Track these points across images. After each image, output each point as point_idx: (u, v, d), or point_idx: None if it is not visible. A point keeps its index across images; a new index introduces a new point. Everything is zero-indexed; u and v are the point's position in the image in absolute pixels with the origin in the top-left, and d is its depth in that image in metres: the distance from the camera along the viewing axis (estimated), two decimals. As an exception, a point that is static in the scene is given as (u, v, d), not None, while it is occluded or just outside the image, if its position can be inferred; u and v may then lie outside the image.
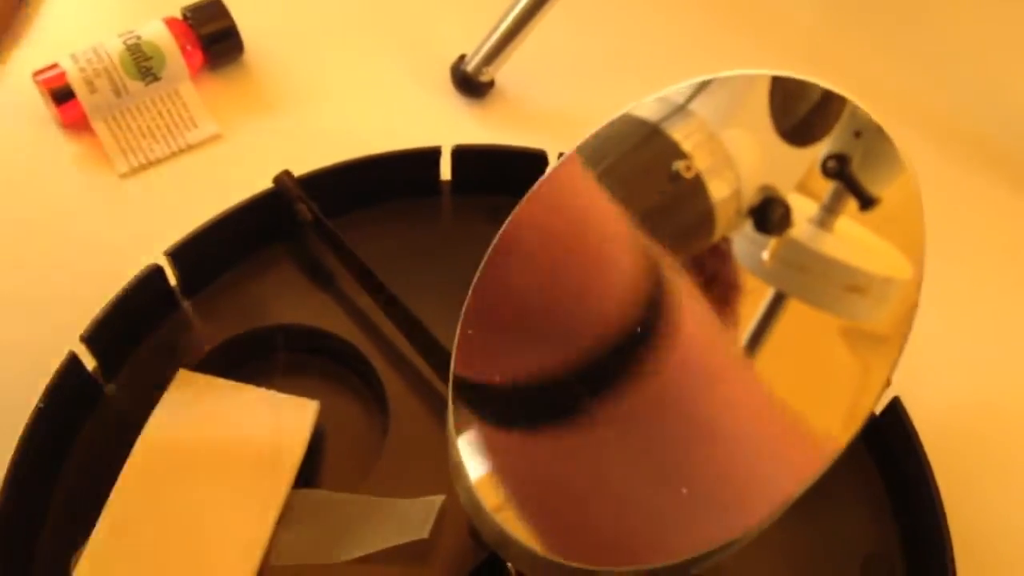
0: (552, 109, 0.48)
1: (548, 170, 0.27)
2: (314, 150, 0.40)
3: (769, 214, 0.26)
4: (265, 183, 0.38)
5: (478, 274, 0.26)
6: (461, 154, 0.40)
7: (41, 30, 0.48)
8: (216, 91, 0.46)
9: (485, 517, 0.23)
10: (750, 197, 0.27)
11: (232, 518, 0.32)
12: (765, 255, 0.26)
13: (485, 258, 0.26)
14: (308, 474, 0.35)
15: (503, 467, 0.24)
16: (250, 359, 0.37)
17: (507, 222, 0.26)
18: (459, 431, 0.24)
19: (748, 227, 0.26)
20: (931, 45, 0.53)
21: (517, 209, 0.26)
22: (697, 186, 0.27)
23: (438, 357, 0.35)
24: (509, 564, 0.30)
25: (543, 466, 0.24)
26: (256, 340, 0.37)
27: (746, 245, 0.26)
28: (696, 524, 0.22)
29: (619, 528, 0.23)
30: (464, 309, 0.25)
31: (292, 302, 0.38)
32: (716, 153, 0.27)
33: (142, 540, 0.31)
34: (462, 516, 0.33)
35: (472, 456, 0.24)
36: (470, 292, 0.25)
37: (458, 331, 0.25)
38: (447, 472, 0.34)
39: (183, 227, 0.37)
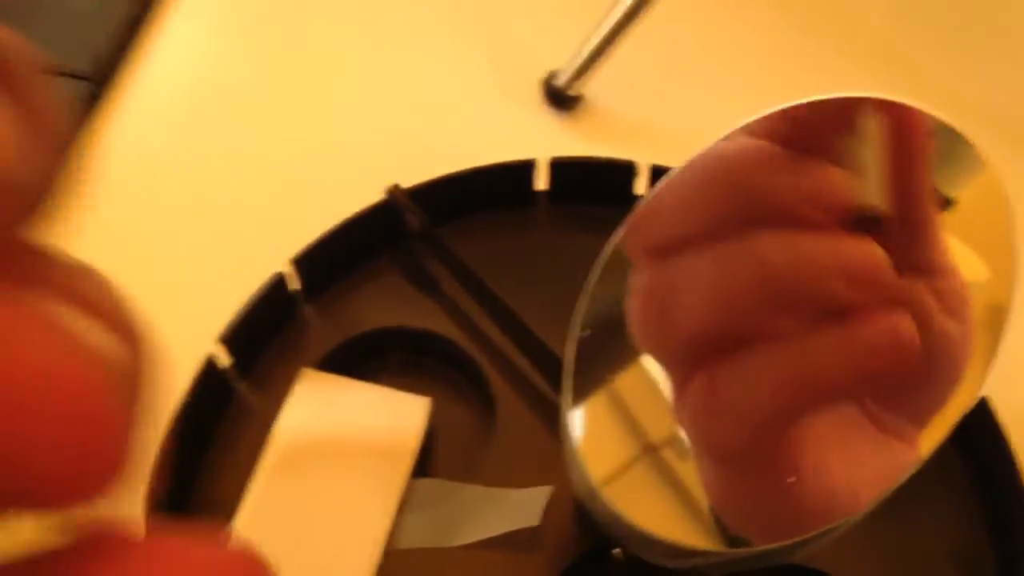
0: (638, 122, 0.50)
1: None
2: (411, 163, 0.43)
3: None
4: (356, 194, 0.41)
5: (593, 277, 0.28)
6: (556, 166, 0.43)
7: None
8: (323, 108, 0.49)
9: (599, 501, 0.26)
10: None
11: (358, 505, 0.35)
12: None
13: (602, 260, 0.28)
14: (420, 468, 0.37)
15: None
16: (365, 359, 0.40)
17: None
18: (574, 420, 0.26)
19: None
20: (1009, 47, 0.54)
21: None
22: None
23: (542, 357, 0.37)
24: (615, 551, 0.32)
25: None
26: (370, 342, 0.40)
27: None
28: (803, 509, 0.24)
29: (728, 510, 0.25)
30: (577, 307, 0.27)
31: (401, 306, 0.41)
32: None
33: (280, 523, 0.34)
34: (566, 507, 0.36)
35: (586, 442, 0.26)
36: (584, 294, 0.28)
37: (575, 327, 0.27)
38: (552, 466, 0.37)
39: (290, 235, 0.39)
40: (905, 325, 0.23)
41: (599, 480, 0.25)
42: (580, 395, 0.27)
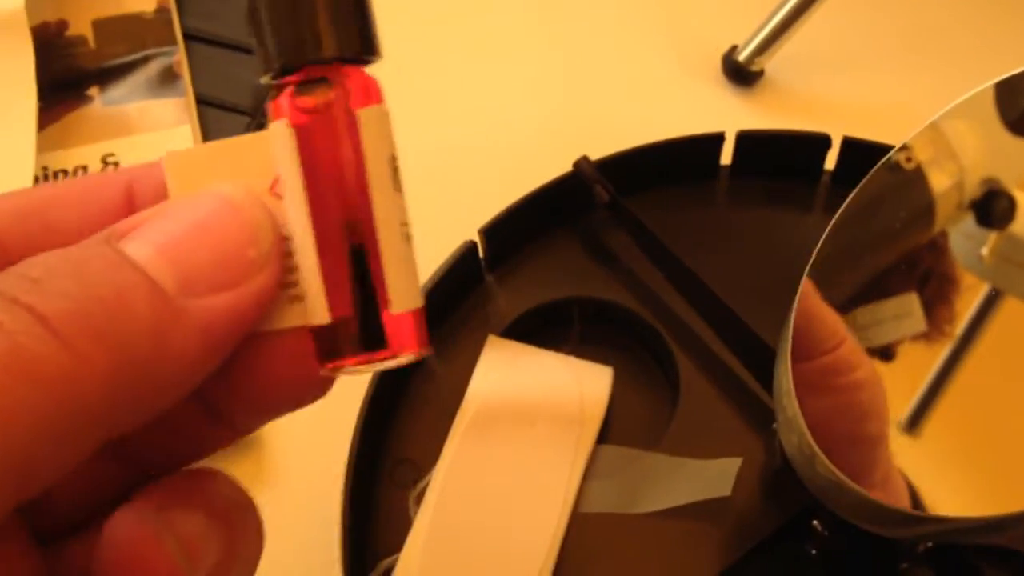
0: (818, 98, 0.49)
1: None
2: (589, 138, 0.43)
3: (992, 207, 0.26)
4: (540, 167, 0.41)
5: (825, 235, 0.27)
6: (744, 139, 0.42)
7: None
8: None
9: (819, 465, 0.25)
10: (972, 190, 0.27)
11: (546, 469, 0.36)
12: (984, 250, 0.26)
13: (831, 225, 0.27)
14: (602, 437, 0.38)
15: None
16: (548, 328, 0.41)
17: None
18: (791, 384, 0.26)
19: (969, 221, 0.26)
20: None
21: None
22: (918, 178, 0.27)
23: (731, 329, 0.37)
24: (815, 522, 0.31)
25: (815, 393, 0.26)
26: (553, 311, 0.41)
27: (964, 240, 0.26)
28: None
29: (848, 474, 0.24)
30: (809, 267, 0.27)
31: (584, 277, 0.41)
32: (938, 144, 0.27)
33: (473, 484, 0.35)
34: (753, 481, 0.36)
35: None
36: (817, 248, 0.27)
37: (800, 289, 0.27)
38: (734, 439, 0.37)
39: (478, 207, 0.40)
40: None
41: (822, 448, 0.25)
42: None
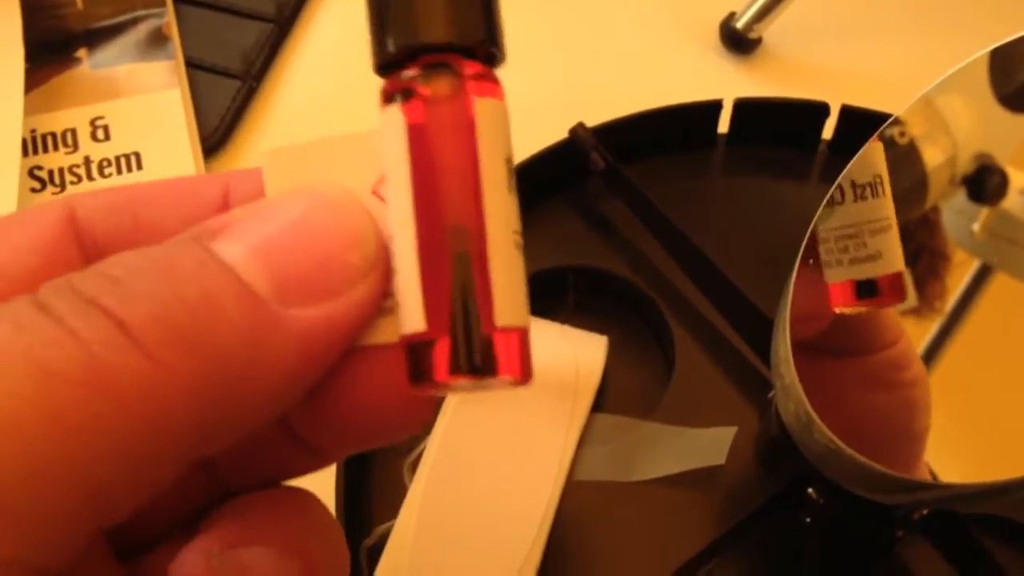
0: (816, 67, 0.49)
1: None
2: (586, 104, 0.42)
3: (984, 183, 0.26)
4: (536, 134, 0.40)
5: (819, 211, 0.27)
6: (742, 107, 0.42)
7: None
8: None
9: (816, 432, 0.25)
10: (965, 165, 0.26)
11: (540, 437, 0.36)
12: (976, 226, 0.26)
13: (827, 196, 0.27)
14: (597, 406, 0.37)
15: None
16: (543, 297, 0.40)
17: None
18: (791, 353, 0.26)
19: (961, 196, 0.26)
20: None
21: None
22: (911, 153, 0.27)
23: (728, 298, 0.37)
24: (811, 490, 0.31)
25: (851, 386, 0.26)
26: (548, 279, 0.40)
27: (955, 215, 0.26)
28: None
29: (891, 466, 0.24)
30: (805, 242, 0.27)
31: (580, 246, 0.41)
32: (932, 119, 0.27)
33: (467, 453, 0.35)
34: (748, 450, 0.36)
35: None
36: (810, 228, 0.27)
37: (798, 259, 0.27)
38: (730, 408, 0.37)
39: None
40: None
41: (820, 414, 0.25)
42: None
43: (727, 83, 0.48)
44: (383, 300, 0.15)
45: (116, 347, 0.12)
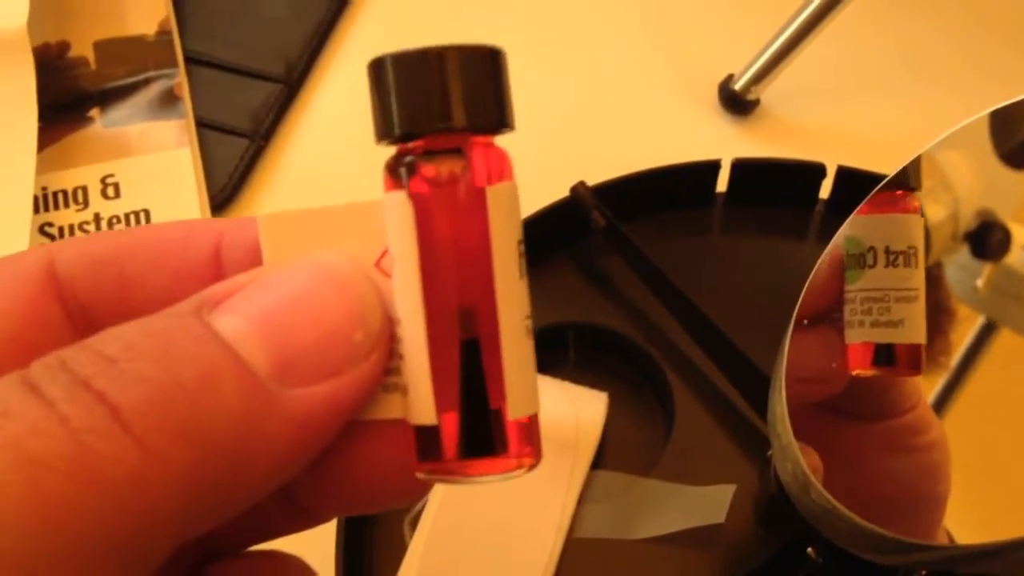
0: (814, 129, 0.49)
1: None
2: (583, 164, 0.43)
3: (986, 239, 0.26)
4: (534, 193, 0.41)
5: (815, 271, 0.27)
6: (740, 167, 0.42)
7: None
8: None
9: (813, 492, 0.25)
10: (967, 221, 0.27)
11: (540, 493, 0.36)
12: (979, 282, 0.26)
13: (823, 256, 0.27)
14: (597, 463, 0.38)
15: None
16: (542, 353, 0.41)
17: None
18: (786, 411, 0.26)
19: (964, 252, 0.27)
20: None
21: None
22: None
23: (727, 356, 0.37)
24: (810, 550, 0.31)
25: (869, 450, 0.26)
26: (549, 336, 0.41)
27: (958, 271, 0.27)
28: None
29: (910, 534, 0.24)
30: (800, 300, 0.27)
31: (580, 303, 0.41)
32: (933, 175, 0.27)
33: (467, 509, 0.35)
34: (747, 508, 0.36)
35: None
36: (806, 287, 0.27)
37: (793, 317, 0.27)
38: (729, 466, 0.37)
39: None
40: None
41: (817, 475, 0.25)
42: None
43: (725, 143, 0.49)
44: (385, 378, 0.15)
45: (107, 435, 0.12)
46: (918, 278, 0.26)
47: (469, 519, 0.35)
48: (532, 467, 0.15)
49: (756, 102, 0.49)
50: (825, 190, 0.43)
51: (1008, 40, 0.52)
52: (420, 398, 0.15)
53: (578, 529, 0.35)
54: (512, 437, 0.15)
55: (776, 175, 0.42)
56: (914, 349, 0.26)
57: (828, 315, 0.27)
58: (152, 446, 0.12)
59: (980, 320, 0.26)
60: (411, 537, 0.34)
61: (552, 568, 0.34)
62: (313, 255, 0.15)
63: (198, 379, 0.13)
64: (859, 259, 0.27)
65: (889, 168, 0.29)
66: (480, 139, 0.15)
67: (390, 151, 0.15)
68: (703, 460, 0.37)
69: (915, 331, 0.26)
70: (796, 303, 0.29)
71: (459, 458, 0.14)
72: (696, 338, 0.38)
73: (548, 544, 0.35)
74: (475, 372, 0.14)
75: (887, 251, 0.26)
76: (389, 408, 0.15)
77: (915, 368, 0.26)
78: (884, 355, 0.26)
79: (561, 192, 0.41)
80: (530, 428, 0.15)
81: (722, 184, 0.44)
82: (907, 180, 0.27)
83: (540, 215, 0.41)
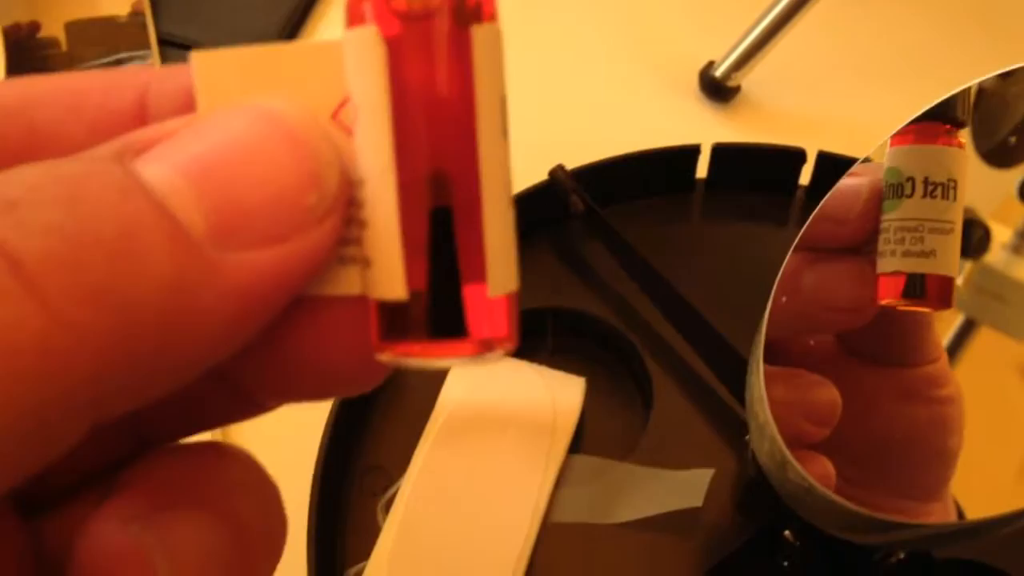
0: (794, 115, 0.49)
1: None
2: (565, 149, 0.43)
3: (967, 237, 0.26)
4: (516, 177, 0.41)
5: (796, 240, 0.27)
6: (720, 152, 0.42)
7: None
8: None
9: (790, 471, 0.25)
10: None
11: (517, 478, 0.35)
12: (959, 280, 0.26)
13: (805, 225, 0.27)
14: (574, 447, 0.37)
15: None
16: (520, 337, 0.40)
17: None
18: (766, 390, 0.26)
19: None
20: None
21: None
22: None
23: (705, 340, 0.37)
24: (787, 532, 0.31)
25: (887, 395, 0.25)
26: (526, 321, 0.40)
27: None
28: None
29: (920, 484, 0.24)
30: (779, 277, 0.27)
31: (558, 287, 0.41)
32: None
33: (444, 493, 0.34)
34: (725, 492, 0.35)
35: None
36: (786, 260, 0.27)
37: (771, 297, 0.27)
38: (707, 450, 0.37)
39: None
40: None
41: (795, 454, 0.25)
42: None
43: (706, 130, 0.49)
44: (340, 248, 0.13)
45: (6, 294, 0.10)
46: (955, 211, 0.25)
47: (443, 503, 0.34)
48: (508, 352, 0.13)
49: (737, 89, 0.49)
50: (805, 176, 0.42)
51: (986, 26, 0.52)
52: (387, 270, 0.13)
53: (555, 513, 0.35)
54: (488, 317, 0.13)
55: (756, 160, 0.42)
56: (945, 282, 0.25)
57: (864, 248, 0.26)
58: (60, 309, 0.10)
59: (960, 318, 0.26)
60: (384, 521, 0.34)
61: (527, 552, 0.34)
62: (260, 101, 0.13)
63: (118, 235, 0.11)
64: (897, 188, 0.26)
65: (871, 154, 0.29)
66: None
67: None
68: (681, 445, 0.37)
69: (948, 263, 0.25)
70: (774, 288, 0.28)
71: (428, 337, 0.13)
72: (674, 322, 0.38)
73: (524, 528, 0.34)
74: (448, 243, 0.13)
75: (926, 182, 0.25)
76: (345, 283, 0.13)
77: (945, 302, 0.25)
78: (915, 286, 0.25)
79: (540, 175, 0.41)
80: (509, 307, 0.13)
81: (702, 169, 0.43)
82: (954, 114, 0.26)
83: (517, 198, 0.40)
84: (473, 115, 0.12)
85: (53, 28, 0.50)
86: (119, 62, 0.49)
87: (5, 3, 0.48)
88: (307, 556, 0.33)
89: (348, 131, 0.13)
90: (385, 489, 0.35)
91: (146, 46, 0.50)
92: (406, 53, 0.12)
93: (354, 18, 0.13)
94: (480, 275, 0.13)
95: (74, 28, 0.51)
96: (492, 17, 0.13)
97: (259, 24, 0.51)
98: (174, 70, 0.14)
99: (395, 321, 0.13)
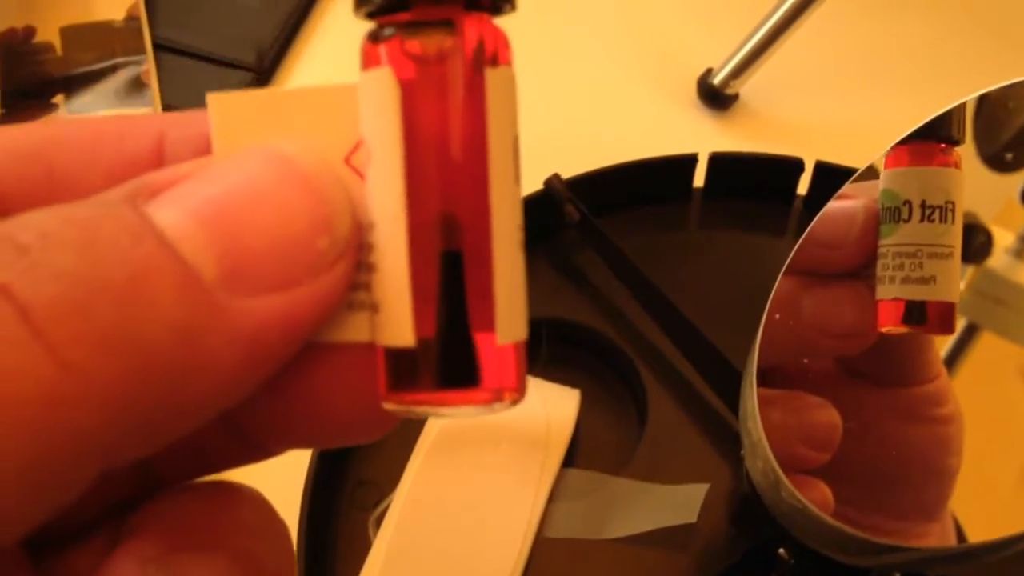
0: (793, 123, 0.49)
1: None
2: (562, 157, 0.42)
3: (969, 242, 0.26)
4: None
5: (787, 262, 0.27)
6: (717, 161, 0.42)
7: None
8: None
9: (783, 491, 0.25)
10: None
11: (510, 492, 0.35)
12: (961, 285, 0.26)
13: (795, 248, 0.27)
14: (568, 461, 0.37)
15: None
16: (515, 349, 0.40)
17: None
18: (760, 410, 0.26)
19: None
20: None
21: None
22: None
23: (701, 352, 0.36)
24: (782, 550, 0.31)
25: (887, 415, 0.25)
26: (521, 331, 0.40)
27: None
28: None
29: (918, 505, 0.23)
30: (771, 299, 0.27)
31: (552, 297, 0.41)
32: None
33: (436, 506, 0.34)
34: (720, 508, 0.35)
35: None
36: (777, 282, 0.27)
37: (764, 318, 0.26)
38: (702, 464, 0.36)
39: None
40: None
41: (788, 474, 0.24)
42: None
43: (704, 138, 0.48)
44: (351, 293, 0.13)
45: (14, 342, 0.10)
46: (954, 234, 0.25)
47: (435, 517, 0.34)
48: (515, 402, 0.13)
49: (735, 97, 0.48)
50: (803, 185, 0.42)
51: (988, 33, 0.52)
52: (396, 317, 0.12)
53: (548, 528, 0.35)
54: (497, 366, 0.13)
55: (754, 170, 0.42)
56: (946, 308, 0.25)
57: (861, 271, 0.26)
58: (69, 358, 0.10)
59: (962, 323, 0.26)
60: (375, 535, 0.34)
61: (520, 568, 0.33)
62: (273, 145, 0.13)
63: (129, 279, 0.11)
64: (894, 212, 0.25)
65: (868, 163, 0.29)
66: (477, 14, 0.13)
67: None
68: (676, 459, 0.36)
69: (948, 289, 0.25)
70: (767, 309, 0.28)
71: (436, 387, 0.12)
72: (670, 334, 0.38)
73: (516, 543, 0.34)
74: (458, 289, 0.12)
75: (923, 205, 0.25)
76: (354, 329, 0.13)
77: (947, 328, 0.25)
78: (915, 313, 0.25)
79: (535, 185, 0.41)
80: (517, 357, 0.13)
81: (699, 179, 0.43)
82: (949, 132, 0.26)
83: (513, 208, 0.40)
84: (485, 159, 0.12)
85: (48, 33, 0.50)
86: (114, 67, 0.49)
87: (0, 8, 0.47)
88: (297, 570, 0.32)
89: (360, 175, 0.13)
90: (376, 503, 0.35)
91: (141, 51, 0.50)
92: (420, 96, 0.12)
93: (369, 61, 0.13)
94: (489, 322, 0.13)
95: (69, 33, 0.50)
96: (506, 61, 0.13)
97: (255, 30, 0.51)
98: (191, 116, 0.14)
99: (403, 369, 0.13)
